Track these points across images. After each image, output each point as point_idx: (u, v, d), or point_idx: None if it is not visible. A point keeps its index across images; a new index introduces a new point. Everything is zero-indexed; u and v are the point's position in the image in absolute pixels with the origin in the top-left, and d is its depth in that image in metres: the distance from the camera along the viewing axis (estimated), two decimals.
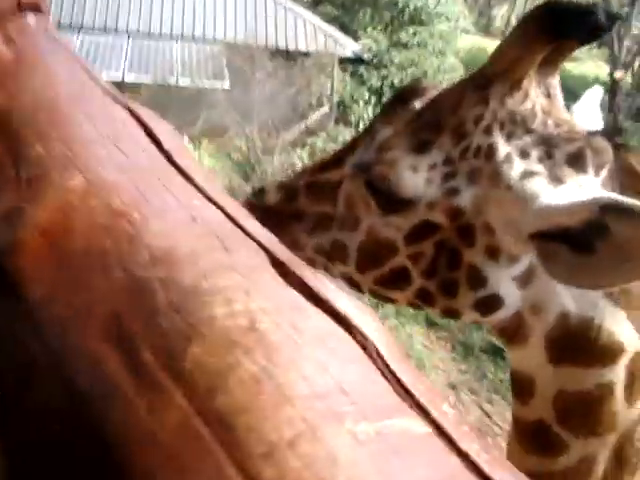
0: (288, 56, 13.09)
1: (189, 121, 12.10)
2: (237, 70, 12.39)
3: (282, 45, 13.58)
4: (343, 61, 14.11)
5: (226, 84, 12.52)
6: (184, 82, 12.66)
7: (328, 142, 11.75)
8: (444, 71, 15.01)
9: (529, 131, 0.93)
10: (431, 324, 7.07)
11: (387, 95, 13.94)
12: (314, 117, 12.85)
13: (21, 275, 0.47)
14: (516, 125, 0.94)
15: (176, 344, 0.40)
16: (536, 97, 0.95)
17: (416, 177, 0.97)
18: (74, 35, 13.28)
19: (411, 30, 15.08)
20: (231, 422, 0.36)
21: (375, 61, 14.36)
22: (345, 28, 16.23)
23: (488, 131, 0.94)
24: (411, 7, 15.48)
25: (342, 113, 13.37)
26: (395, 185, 0.97)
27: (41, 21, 0.71)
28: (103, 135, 0.57)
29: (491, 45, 25.88)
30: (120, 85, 12.80)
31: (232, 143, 11.97)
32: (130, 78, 12.74)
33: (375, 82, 13.97)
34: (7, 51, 0.63)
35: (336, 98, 13.44)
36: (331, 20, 16.28)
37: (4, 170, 0.54)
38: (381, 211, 0.99)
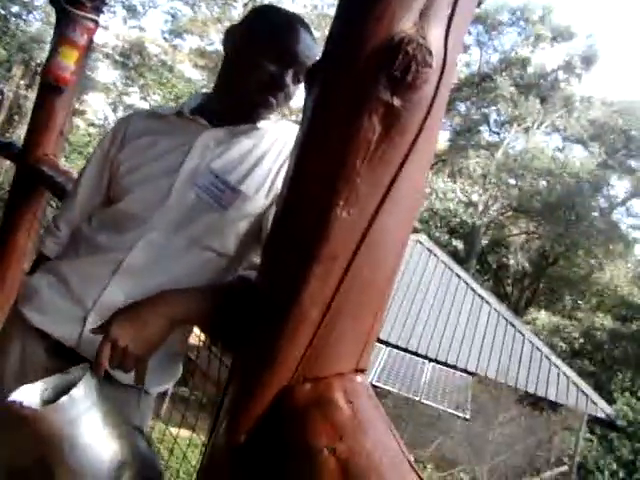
0: (534, 404, 12.92)
1: (422, 442, 12.18)
2: (480, 404, 12.47)
3: (531, 390, 13.50)
4: (592, 422, 13.50)
5: (467, 415, 12.58)
6: (427, 402, 13.00)
7: None
8: None
9: None
10: None
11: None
12: (549, 475, 12.15)
13: None
14: None
15: None
16: None
17: None
18: None
19: None
20: None
21: (629, 430, 13.49)
22: (600, 387, 15.75)
23: None
24: None
25: (582, 479, 12.48)
26: None
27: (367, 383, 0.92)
28: None
29: None
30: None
31: (458, 477, 11.67)
32: (379, 383, 13.43)
33: (626, 454, 12.99)
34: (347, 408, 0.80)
35: (578, 460, 12.68)
36: (586, 375, 15.98)
37: None
38: None
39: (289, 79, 1.32)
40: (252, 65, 1.32)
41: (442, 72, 0.91)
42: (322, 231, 0.85)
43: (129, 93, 24.41)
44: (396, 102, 0.88)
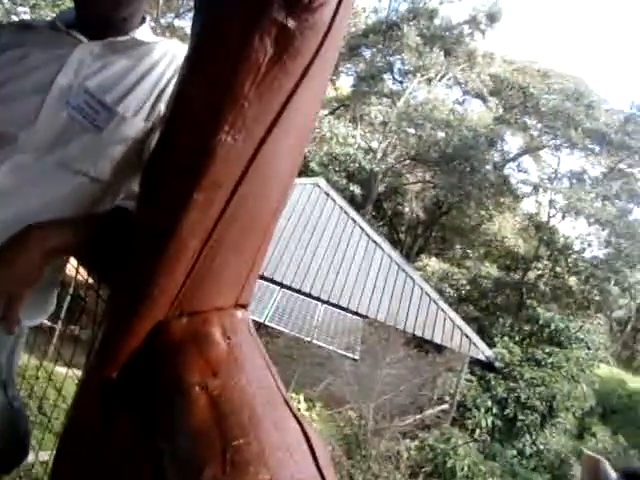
0: (420, 346, 13.49)
1: (312, 381, 12.50)
2: (369, 346, 12.88)
3: (418, 333, 14.07)
4: (473, 363, 14.28)
5: (356, 356, 12.97)
6: (318, 342, 13.28)
7: (440, 442, 11.56)
8: (574, 398, 14.70)
9: None
10: None
11: (510, 408, 13.80)
12: (431, 412, 12.81)
13: None
14: None
15: None
16: None
17: None
18: None
19: (547, 349, 15.15)
20: None
21: (505, 371, 14.40)
22: (482, 331, 16.63)
23: None
24: (552, 327, 15.74)
25: (460, 416, 13.24)
26: None
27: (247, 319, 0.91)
28: (283, 442, 0.65)
29: (631, 380, 24.88)
30: (260, 326, 13.66)
31: (346, 415, 12.08)
32: (272, 324, 13.56)
33: (501, 392, 13.88)
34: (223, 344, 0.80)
35: (458, 398, 13.42)
36: (471, 320, 16.80)
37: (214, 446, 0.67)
38: None
39: None
40: None
41: None
42: (205, 157, 0.80)
43: (18, 13, 22.69)
44: (290, 24, 0.82)
